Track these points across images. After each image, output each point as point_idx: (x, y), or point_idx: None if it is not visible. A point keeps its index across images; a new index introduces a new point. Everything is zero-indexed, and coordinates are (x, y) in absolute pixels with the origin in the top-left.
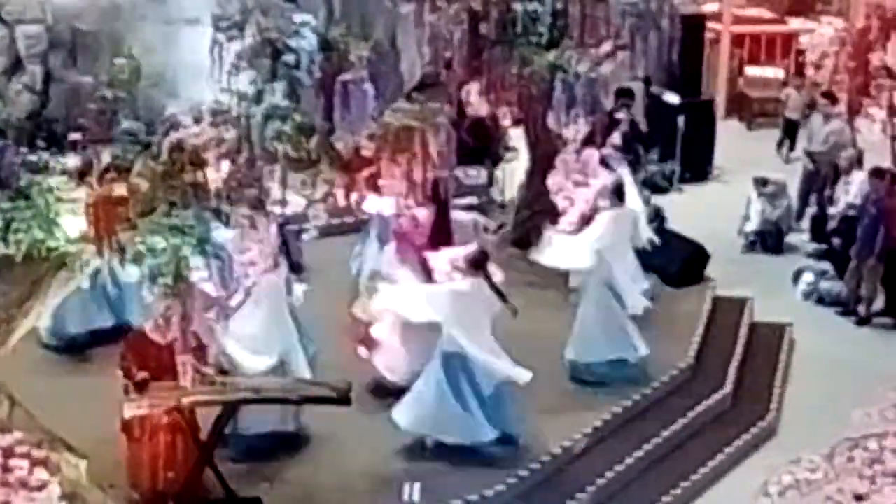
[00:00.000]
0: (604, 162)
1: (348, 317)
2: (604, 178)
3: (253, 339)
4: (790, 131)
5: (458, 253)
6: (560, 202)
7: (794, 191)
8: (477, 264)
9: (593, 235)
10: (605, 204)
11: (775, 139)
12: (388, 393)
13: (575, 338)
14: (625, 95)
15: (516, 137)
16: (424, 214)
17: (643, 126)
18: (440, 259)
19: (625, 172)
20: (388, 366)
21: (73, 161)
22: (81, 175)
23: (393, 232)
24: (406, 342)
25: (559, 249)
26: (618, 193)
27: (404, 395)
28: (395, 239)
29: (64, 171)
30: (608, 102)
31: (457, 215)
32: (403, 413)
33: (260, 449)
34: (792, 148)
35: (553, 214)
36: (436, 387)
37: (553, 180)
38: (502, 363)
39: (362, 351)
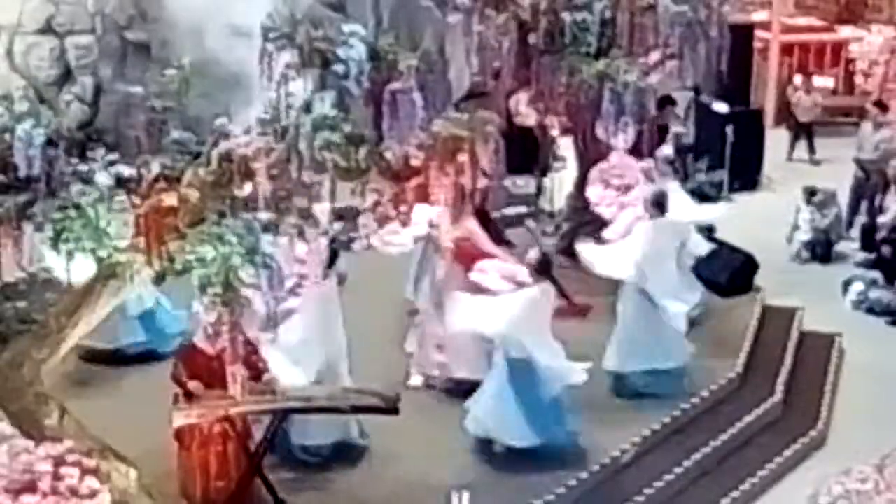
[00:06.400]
0: (646, 174)
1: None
2: (643, 188)
3: (298, 349)
4: (801, 133)
5: (507, 266)
6: (606, 212)
7: (843, 199)
8: (542, 268)
9: (633, 245)
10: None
11: (825, 148)
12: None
13: (613, 347)
14: (667, 103)
15: (565, 147)
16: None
17: (690, 136)
18: (490, 276)
19: (674, 186)
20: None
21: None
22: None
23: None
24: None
25: (599, 257)
26: (659, 205)
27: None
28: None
29: (114, 181)
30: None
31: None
32: (467, 416)
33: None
34: (793, 148)
35: (600, 226)
36: (498, 390)
37: (592, 192)
38: (564, 367)
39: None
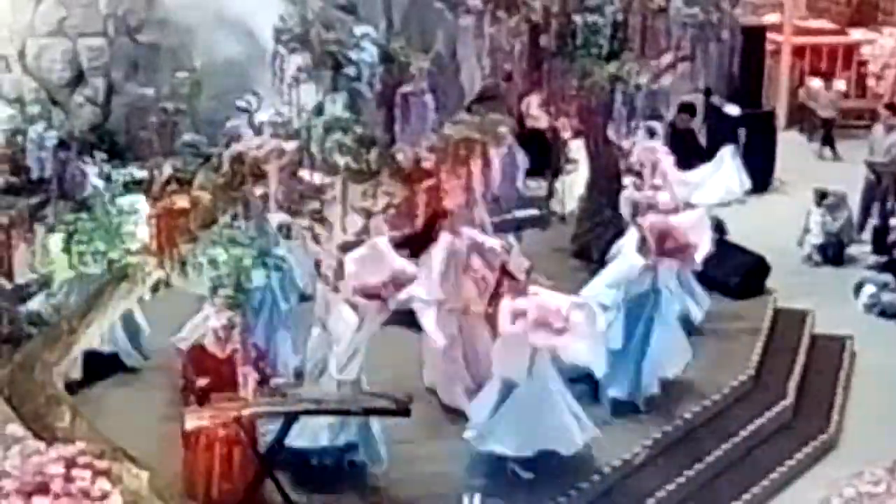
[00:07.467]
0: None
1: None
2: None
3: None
4: (828, 129)
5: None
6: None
7: (855, 202)
8: None
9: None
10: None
11: (838, 150)
12: None
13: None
14: (683, 111)
15: (576, 149)
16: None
17: (702, 138)
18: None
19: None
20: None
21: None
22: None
23: None
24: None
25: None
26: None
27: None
28: None
29: (126, 184)
30: (669, 114)
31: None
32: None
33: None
34: (826, 144)
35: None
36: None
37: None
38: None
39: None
